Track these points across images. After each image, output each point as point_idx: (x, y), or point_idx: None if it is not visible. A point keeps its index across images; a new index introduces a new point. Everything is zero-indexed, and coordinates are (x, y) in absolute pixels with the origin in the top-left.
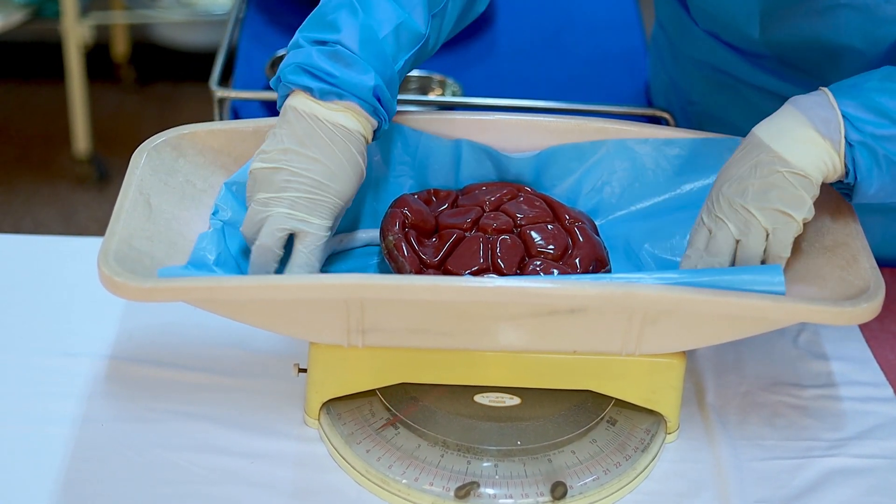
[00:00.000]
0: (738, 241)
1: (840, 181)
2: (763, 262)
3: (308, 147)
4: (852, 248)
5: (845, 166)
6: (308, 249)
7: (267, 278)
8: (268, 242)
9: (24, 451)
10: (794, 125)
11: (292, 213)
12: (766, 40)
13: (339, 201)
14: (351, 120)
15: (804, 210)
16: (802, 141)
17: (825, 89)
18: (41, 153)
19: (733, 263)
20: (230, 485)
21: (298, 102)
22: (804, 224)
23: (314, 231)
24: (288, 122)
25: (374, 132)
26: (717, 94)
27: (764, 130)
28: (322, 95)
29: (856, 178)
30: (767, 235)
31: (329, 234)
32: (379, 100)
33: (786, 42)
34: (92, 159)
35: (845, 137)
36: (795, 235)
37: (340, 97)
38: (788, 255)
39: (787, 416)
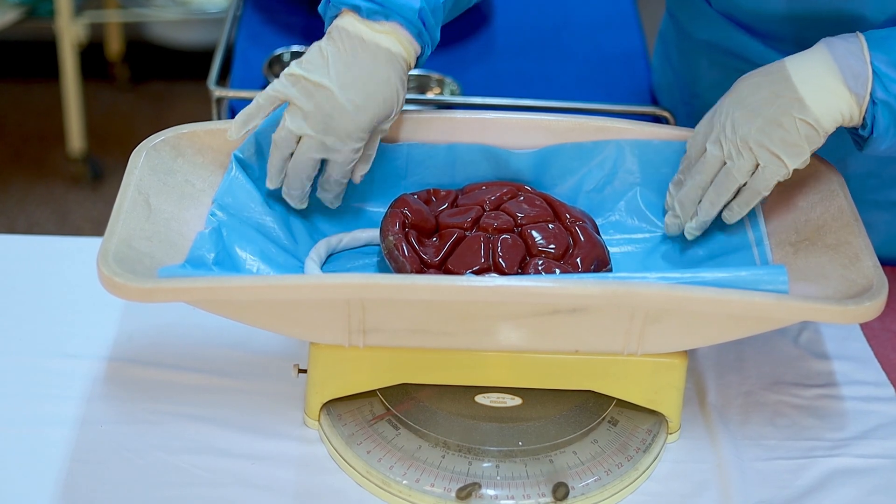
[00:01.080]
0: (724, 164)
1: (854, 129)
2: (738, 191)
3: (351, 68)
4: (854, 246)
5: (864, 120)
6: (338, 171)
7: (268, 279)
8: (300, 166)
9: (23, 454)
10: (825, 72)
11: (325, 139)
12: (787, 14)
13: (374, 124)
14: (395, 43)
15: (799, 161)
16: (828, 90)
17: (861, 36)
18: (35, 152)
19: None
20: (231, 487)
21: (346, 23)
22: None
23: (345, 155)
24: (333, 41)
25: (418, 58)
26: (726, 82)
27: (794, 66)
28: (369, 15)
29: (871, 132)
30: (755, 169)
31: (359, 154)
32: (424, 24)
33: (804, 16)
34: (86, 158)
35: (871, 94)
36: (782, 180)
37: (386, 17)
38: (767, 193)
39: (789, 415)
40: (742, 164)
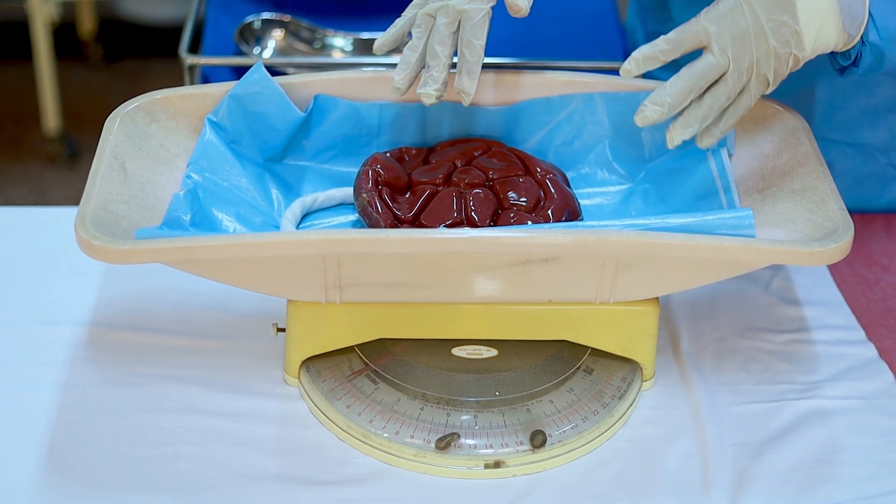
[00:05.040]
0: (724, 75)
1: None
2: (730, 105)
3: None
4: (820, 190)
5: (848, 52)
6: (471, 30)
7: (244, 236)
8: (437, 36)
9: (8, 418)
10: (828, 10)
11: (450, 2)
12: None
13: None
14: None
15: (776, 87)
16: (825, 29)
17: None
18: (11, 133)
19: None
20: (214, 445)
21: None
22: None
23: (473, 7)
24: None
25: None
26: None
27: None
28: None
29: (854, 65)
30: (743, 89)
31: (488, 5)
32: None
33: None
34: (62, 137)
35: (862, 37)
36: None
37: None
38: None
39: (762, 360)
40: (740, 84)
